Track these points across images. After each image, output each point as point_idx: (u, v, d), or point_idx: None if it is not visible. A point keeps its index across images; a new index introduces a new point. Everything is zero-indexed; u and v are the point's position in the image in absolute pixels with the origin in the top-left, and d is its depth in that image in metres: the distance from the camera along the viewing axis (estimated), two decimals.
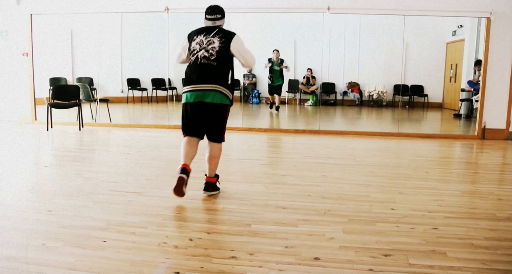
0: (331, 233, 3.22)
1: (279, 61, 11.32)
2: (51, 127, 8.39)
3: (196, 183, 4.29)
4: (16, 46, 9.14)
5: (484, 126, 8.01)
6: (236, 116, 9.21)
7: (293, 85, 13.14)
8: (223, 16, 4.13)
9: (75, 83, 10.89)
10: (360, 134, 8.31)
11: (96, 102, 9.53)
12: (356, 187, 4.53)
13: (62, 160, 5.95)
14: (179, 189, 3.82)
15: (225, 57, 4.00)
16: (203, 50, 3.97)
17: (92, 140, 7.72)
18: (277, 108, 11.38)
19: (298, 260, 2.76)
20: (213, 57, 3.95)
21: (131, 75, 12.64)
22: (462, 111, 10.69)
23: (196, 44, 4.01)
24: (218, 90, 3.95)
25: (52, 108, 8.31)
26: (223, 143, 4.19)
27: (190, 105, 4.01)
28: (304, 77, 13.07)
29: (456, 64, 11.99)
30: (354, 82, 13.22)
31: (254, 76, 13.23)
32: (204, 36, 4.01)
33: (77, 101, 8.45)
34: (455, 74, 12.04)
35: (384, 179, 4.92)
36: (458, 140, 8.01)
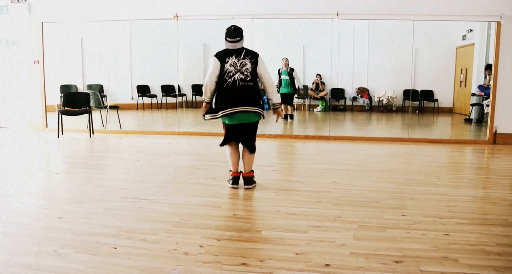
0: (342, 240, 3.21)
1: (287, 69, 11.18)
2: (62, 134, 8.45)
3: (207, 190, 4.30)
4: (27, 54, 9.24)
5: (495, 131, 7.95)
6: None
7: (302, 91, 13.12)
8: (242, 37, 4.47)
9: (86, 90, 10.95)
10: (370, 140, 8.27)
11: (106, 109, 9.58)
12: (367, 193, 4.51)
13: (73, 167, 5.99)
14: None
15: (255, 76, 4.45)
16: (238, 73, 4.35)
17: (102, 146, 7.77)
18: (290, 117, 11.26)
19: (309, 267, 2.75)
20: (248, 78, 4.38)
21: (141, 82, 12.70)
22: (472, 116, 10.61)
23: (230, 66, 4.35)
24: (258, 112, 4.42)
25: (63, 116, 8.37)
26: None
27: (234, 125, 4.46)
28: (313, 83, 13.05)
29: (466, 69, 11.92)
30: (364, 88, 13.18)
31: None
32: (235, 58, 4.37)
33: (88, 108, 8.51)
34: (465, 79, 11.97)
35: (394, 185, 4.89)
36: (469, 145, 7.95)
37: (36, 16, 9.02)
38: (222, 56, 4.38)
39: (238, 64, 4.34)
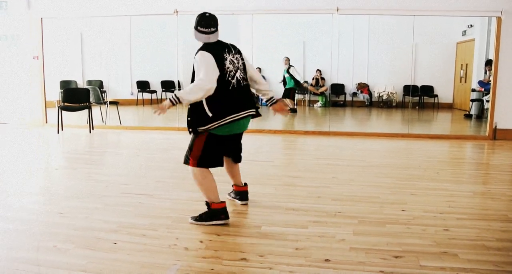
0: (342, 235, 3.21)
1: (287, 67, 11.43)
2: (62, 130, 8.44)
3: None
4: (27, 49, 9.22)
5: (495, 126, 7.95)
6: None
7: (302, 87, 13.12)
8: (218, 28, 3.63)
9: (85, 86, 10.95)
10: (370, 136, 8.27)
11: (106, 105, 9.57)
12: (367, 188, 4.51)
13: (73, 162, 5.99)
14: None
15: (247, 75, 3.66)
16: (239, 71, 3.50)
17: (102, 142, 7.76)
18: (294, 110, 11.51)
19: (309, 262, 2.75)
20: (246, 76, 3.60)
21: (140, 77, 12.69)
22: (472, 112, 10.61)
23: (230, 64, 3.44)
24: (255, 113, 3.63)
25: (63, 111, 8.37)
26: None
27: (229, 137, 3.57)
28: (313, 79, 13.05)
29: (467, 64, 11.91)
30: (364, 83, 13.18)
31: (263, 78, 13.25)
32: (230, 54, 3.49)
33: (87, 104, 8.50)
34: (466, 75, 11.96)
35: (394, 180, 4.89)
36: (469, 141, 7.95)
37: (36, 11, 8.99)
38: (217, 52, 3.41)
39: (235, 61, 3.49)
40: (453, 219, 3.59)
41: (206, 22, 3.49)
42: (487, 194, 4.47)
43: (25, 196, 4.31)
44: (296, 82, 11.39)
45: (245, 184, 4.04)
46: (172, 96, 3.33)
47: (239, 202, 3.98)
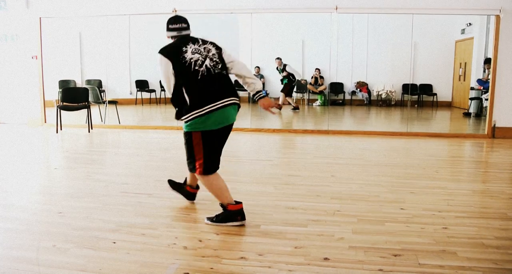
0: (341, 233, 3.22)
1: (281, 67, 11.61)
2: (61, 129, 8.44)
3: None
4: (25, 49, 9.22)
5: (494, 125, 7.96)
6: (245, 117, 9.22)
7: (301, 86, 13.12)
8: (189, 27, 3.59)
9: (84, 85, 10.94)
10: (369, 134, 8.28)
11: (105, 104, 9.57)
12: (366, 187, 4.51)
13: (72, 162, 5.99)
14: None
15: (225, 65, 3.50)
16: (208, 59, 3.37)
17: (101, 141, 7.76)
18: (296, 108, 11.72)
19: (308, 261, 2.76)
20: (220, 66, 3.42)
21: (139, 77, 12.69)
22: (471, 110, 10.62)
23: (193, 53, 3.35)
24: (237, 103, 3.46)
25: (62, 111, 8.37)
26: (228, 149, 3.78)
27: (222, 130, 3.41)
28: (312, 77, 13.05)
29: (465, 63, 11.91)
30: (363, 82, 13.18)
31: (262, 76, 13.22)
32: (195, 45, 3.41)
33: (86, 103, 8.50)
34: (464, 73, 11.97)
35: (393, 179, 4.90)
36: (468, 139, 7.96)
37: (34, 11, 8.99)
38: (171, 49, 3.39)
39: (203, 50, 3.38)
40: (452, 217, 3.59)
41: (176, 19, 3.55)
42: (486, 192, 4.48)
43: (25, 196, 4.31)
44: (291, 80, 11.52)
45: (198, 187, 3.98)
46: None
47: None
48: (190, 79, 3.30)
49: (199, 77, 3.30)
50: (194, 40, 3.45)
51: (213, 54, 3.41)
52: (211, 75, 3.34)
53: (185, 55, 3.33)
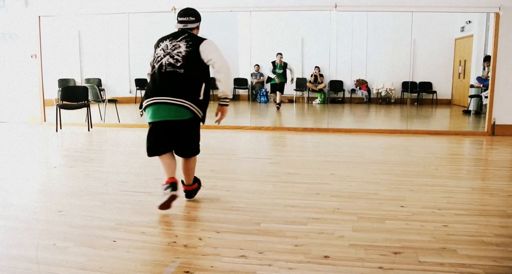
0: (341, 231, 3.22)
1: (282, 64, 11.49)
2: (60, 128, 8.44)
3: (205, 182, 4.29)
4: (24, 48, 9.21)
5: (494, 122, 7.95)
6: (244, 115, 9.23)
7: (301, 84, 13.12)
8: (197, 20, 3.67)
9: (84, 84, 10.94)
10: (369, 132, 8.27)
11: (105, 103, 9.56)
12: (365, 185, 4.51)
13: (71, 160, 5.98)
14: (167, 206, 3.58)
15: (194, 64, 3.46)
16: (167, 56, 3.46)
17: (101, 140, 7.76)
18: (279, 105, 11.50)
19: (308, 259, 2.75)
20: (179, 64, 3.42)
21: (139, 75, 12.64)
22: (471, 108, 10.61)
23: (161, 50, 3.51)
24: (185, 105, 3.42)
25: (61, 110, 8.36)
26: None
27: (156, 125, 3.55)
28: (311, 76, 13.03)
29: (465, 60, 11.90)
30: (362, 80, 13.17)
31: (261, 75, 13.21)
32: (170, 41, 3.53)
33: (86, 102, 8.50)
34: (464, 71, 11.96)
35: (393, 177, 4.90)
36: (468, 137, 7.96)
37: (33, 9, 8.98)
38: (157, 42, 3.61)
39: (170, 47, 3.47)
40: (451, 215, 3.59)
41: (184, 12, 3.69)
42: (486, 189, 4.48)
43: (24, 194, 4.31)
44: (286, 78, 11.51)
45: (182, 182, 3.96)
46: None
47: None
48: (151, 73, 3.57)
49: (151, 73, 3.56)
50: (174, 36, 3.59)
51: (178, 52, 3.45)
52: (161, 73, 3.46)
53: (157, 49, 3.57)
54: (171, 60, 3.44)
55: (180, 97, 3.41)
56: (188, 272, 2.58)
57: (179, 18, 3.65)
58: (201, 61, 3.48)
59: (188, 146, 3.68)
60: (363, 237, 3.12)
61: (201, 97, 3.48)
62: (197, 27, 3.73)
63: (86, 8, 8.83)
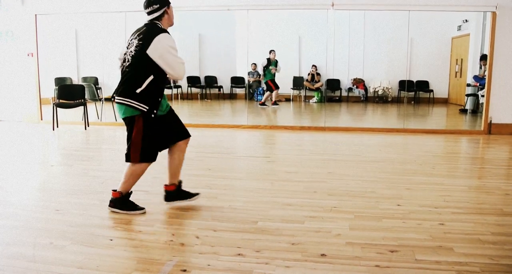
0: (338, 230, 3.22)
1: (276, 61, 11.58)
2: (57, 127, 8.41)
3: (202, 181, 4.30)
4: (21, 46, 9.18)
5: (490, 121, 7.97)
6: (241, 114, 9.22)
7: (298, 82, 13.12)
8: (162, 5, 3.41)
9: (80, 82, 10.91)
10: (366, 131, 8.28)
11: (102, 102, 9.55)
12: (362, 183, 4.52)
13: (68, 159, 5.97)
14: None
15: (141, 64, 3.32)
16: (126, 54, 3.41)
17: (98, 138, 7.75)
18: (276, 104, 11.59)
19: (305, 257, 2.76)
20: (127, 63, 3.37)
21: None
22: (468, 107, 10.64)
23: (126, 47, 3.46)
24: (122, 102, 3.39)
25: (58, 108, 8.33)
26: (154, 164, 3.66)
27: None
28: (309, 74, 13.04)
29: (462, 59, 11.93)
30: (359, 79, 13.19)
31: (259, 74, 13.23)
32: (131, 36, 3.44)
33: (83, 100, 8.48)
34: (461, 69, 11.99)
35: (390, 175, 4.91)
36: (464, 135, 7.98)
37: (30, 8, 8.95)
38: (130, 36, 3.51)
39: (130, 44, 3.39)
40: (448, 213, 3.60)
41: (143, 4, 3.49)
42: (482, 188, 4.49)
43: (22, 193, 4.30)
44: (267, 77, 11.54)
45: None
46: None
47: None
48: None
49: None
50: (136, 31, 3.47)
51: (130, 51, 3.37)
52: (122, 70, 3.47)
53: (126, 44, 3.47)
54: (127, 58, 3.40)
55: (119, 94, 3.43)
56: (185, 270, 2.58)
57: (145, 11, 3.46)
58: (150, 59, 3.29)
59: (127, 146, 3.51)
60: (360, 235, 3.12)
61: (140, 89, 3.29)
62: (165, 12, 3.45)
63: (83, 7, 8.81)
